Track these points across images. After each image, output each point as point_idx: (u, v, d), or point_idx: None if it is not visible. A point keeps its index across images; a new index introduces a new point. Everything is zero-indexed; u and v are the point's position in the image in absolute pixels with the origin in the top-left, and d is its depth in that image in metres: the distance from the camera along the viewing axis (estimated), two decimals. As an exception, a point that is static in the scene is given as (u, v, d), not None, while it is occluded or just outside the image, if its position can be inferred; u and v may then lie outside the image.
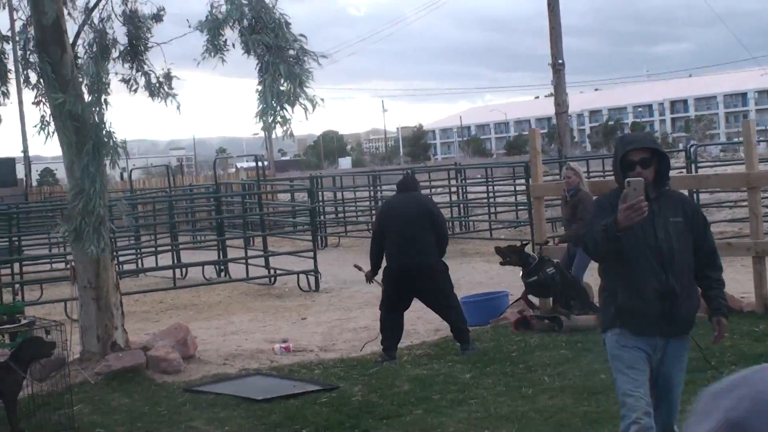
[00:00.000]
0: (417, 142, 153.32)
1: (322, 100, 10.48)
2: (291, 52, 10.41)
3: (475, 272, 19.95)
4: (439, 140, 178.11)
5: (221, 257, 22.01)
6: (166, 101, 11.35)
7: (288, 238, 26.23)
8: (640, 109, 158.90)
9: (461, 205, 28.83)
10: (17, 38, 12.66)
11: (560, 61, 27.12)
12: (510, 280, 16.98)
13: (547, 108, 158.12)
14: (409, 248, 11.38)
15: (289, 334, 14.24)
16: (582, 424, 8.21)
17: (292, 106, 9.89)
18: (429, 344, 12.39)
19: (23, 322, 9.71)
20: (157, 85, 11.34)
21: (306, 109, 10.15)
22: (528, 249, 13.71)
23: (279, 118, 10.05)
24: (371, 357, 11.76)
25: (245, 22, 10.29)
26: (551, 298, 13.05)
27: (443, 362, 11.10)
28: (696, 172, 23.41)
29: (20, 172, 50.79)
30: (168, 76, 11.32)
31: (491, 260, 21.59)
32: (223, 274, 21.60)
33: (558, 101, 27.36)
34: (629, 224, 5.41)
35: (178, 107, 11.71)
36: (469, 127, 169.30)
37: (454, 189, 29.80)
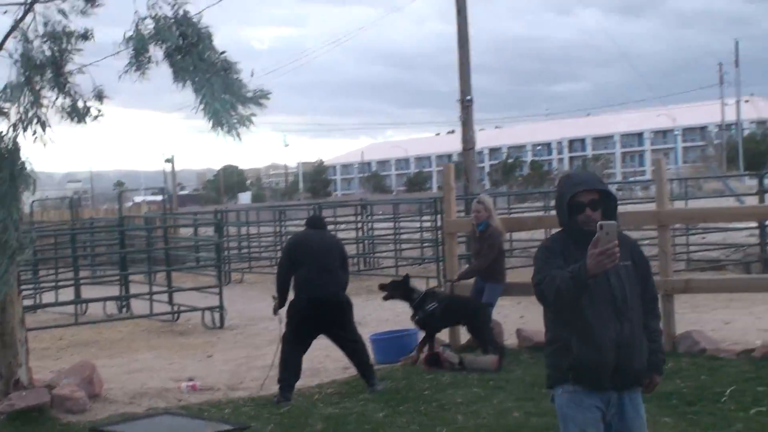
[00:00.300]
0: (318, 177, 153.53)
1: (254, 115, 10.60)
2: (219, 64, 10.39)
3: (381, 309, 19.83)
4: (339, 176, 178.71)
5: (123, 293, 21.66)
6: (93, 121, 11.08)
7: (191, 274, 25.99)
8: (539, 147, 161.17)
9: (365, 242, 28.76)
10: None
11: (468, 98, 27.26)
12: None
13: (448, 145, 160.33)
14: (323, 279, 11.33)
15: (195, 372, 13.99)
16: (499, 463, 8.18)
17: (243, 104, 9.86)
18: (339, 382, 12.27)
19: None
20: (85, 108, 11.04)
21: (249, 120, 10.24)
22: (435, 283, 13.72)
23: (235, 119, 10.03)
24: (281, 395, 11.65)
25: (171, 43, 10.20)
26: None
27: (355, 401, 11.00)
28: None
29: None
30: (100, 96, 11.04)
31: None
32: (124, 310, 21.22)
33: (465, 137, 27.47)
34: (600, 271, 5.11)
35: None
36: (369, 163, 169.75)
37: (359, 225, 29.76)
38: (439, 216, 23.83)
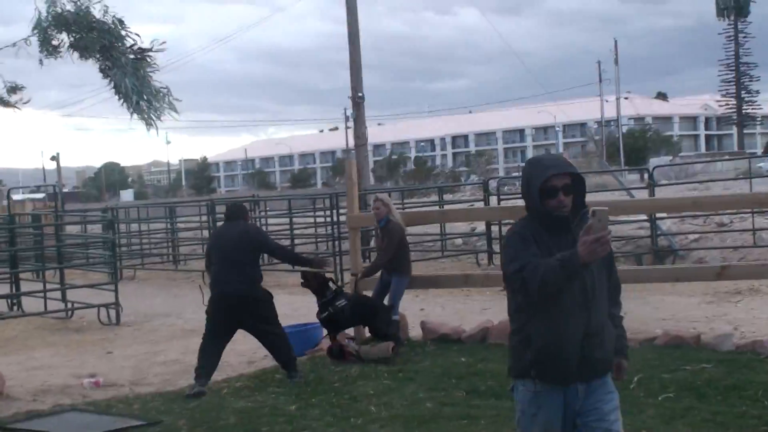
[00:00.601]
0: (201, 174, 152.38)
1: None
2: (128, 48, 10.37)
3: (278, 304, 19.79)
4: (223, 173, 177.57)
5: (14, 290, 21.22)
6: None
7: (81, 271, 25.55)
8: (422, 143, 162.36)
9: (259, 237, 28.60)
10: None
11: (360, 94, 27.37)
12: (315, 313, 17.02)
13: (332, 141, 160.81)
14: (230, 276, 11.37)
15: (96, 369, 13.77)
16: (417, 452, 8.24)
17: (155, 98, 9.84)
18: (247, 376, 12.21)
19: None
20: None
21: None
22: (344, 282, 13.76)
23: (154, 110, 10.01)
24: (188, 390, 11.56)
25: (72, 28, 10.14)
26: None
27: (266, 394, 10.97)
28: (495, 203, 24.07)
29: None
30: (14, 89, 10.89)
31: (294, 292, 21.57)
32: (15, 308, 20.78)
33: (357, 133, 27.60)
34: (593, 259, 4.91)
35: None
36: (253, 160, 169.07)
37: (252, 221, 29.39)
38: (334, 211, 23.88)
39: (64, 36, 10.61)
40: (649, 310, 15.40)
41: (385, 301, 13.51)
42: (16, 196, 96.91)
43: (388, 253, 13.28)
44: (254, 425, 9.57)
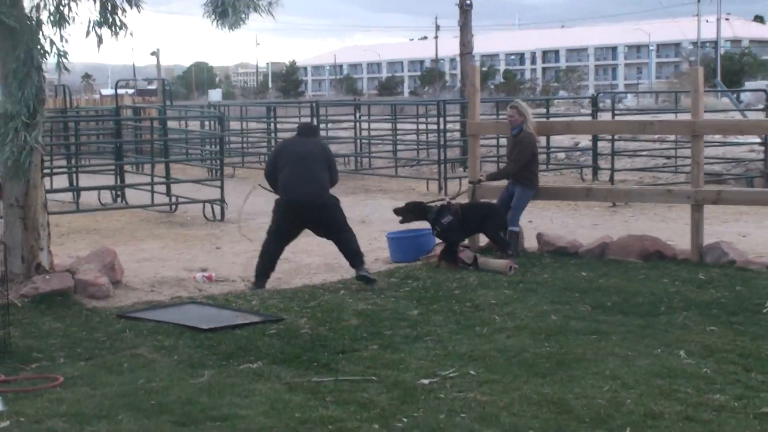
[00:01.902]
0: (289, 78, 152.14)
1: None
2: None
3: (383, 209, 19.72)
4: (311, 77, 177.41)
5: (119, 182, 21.36)
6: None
7: (180, 166, 25.67)
8: (512, 56, 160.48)
9: (359, 141, 28.43)
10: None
11: (468, 2, 26.93)
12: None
13: (421, 51, 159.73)
14: (302, 181, 11.63)
15: (206, 263, 13.87)
16: (550, 365, 8.02)
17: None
18: (365, 277, 12.11)
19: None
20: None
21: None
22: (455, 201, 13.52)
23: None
24: (305, 290, 11.47)
25: None
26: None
27: (384, 297, 10.84)
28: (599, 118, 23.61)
29: None
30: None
31: (396, 197, 21.46)
32: (119, 200, 20.93)
33: (464, 41, 27.22)
34: None
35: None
36: (341, 66, 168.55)
37: (353, 125, 29.37)
38: (441, 119, 23.56)
39: None
40: (767, 234, 15.05)
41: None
42: (104, 90, 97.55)
43: (520, 162, 13.08)
44: (377, 328, 9.45)
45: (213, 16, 11.09)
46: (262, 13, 11.16)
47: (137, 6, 10.99)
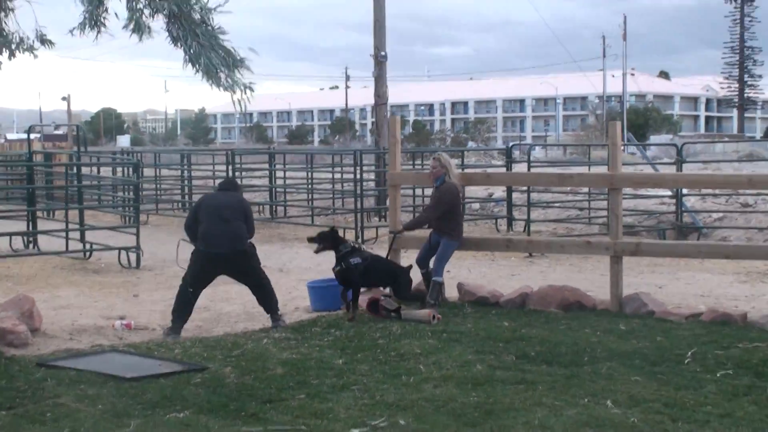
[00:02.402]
0: (198, 125, 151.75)
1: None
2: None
3: (299, 257, 19.69)
4: (220, 124, 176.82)
5: (31, 228, 21.01)
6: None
7: (97, 212, 25.35)
8: (421, 107, 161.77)
9: (274, 190, 28.31)
10: None
11: (383, 53, 27.07)
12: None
13: (331, 100, 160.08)
14: (223, 233, 12.07)
15: (125, 311, 13.68)
16: (479, 414, 8.02)
17: (237, 68, 9.66)
18: (283, 327, 12.04)
19: None
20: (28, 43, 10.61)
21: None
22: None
23: (231, 81, 9.84)
24: (227, 338, 11.37)
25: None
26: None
27: (309, 346, 10.76)
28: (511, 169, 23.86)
29: None
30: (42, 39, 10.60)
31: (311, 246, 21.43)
32: (31, 246, 20.58)
33: (379, 92, 27.30)
34: None
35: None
36: (251, 114, 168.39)
37: (267, 174, 29.24)
38: (358, 168, 23.59)
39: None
40: (682, 285, 15.26)
41: (431, 264, 13.32)
42: (9, 135, 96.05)
43: (436, 211, 13.13)
44: (303, 377, 9.37)
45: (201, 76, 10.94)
46: (239, 69, 10.97)
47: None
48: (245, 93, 10.52)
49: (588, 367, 9.64)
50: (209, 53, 9.82)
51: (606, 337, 10.88)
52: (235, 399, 8.59)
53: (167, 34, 10.05)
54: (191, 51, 9.87)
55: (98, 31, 10.07)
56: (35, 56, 11.15)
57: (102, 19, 10.05)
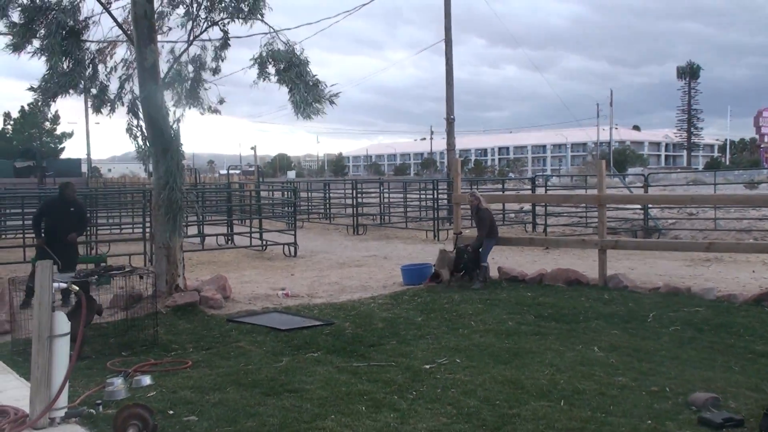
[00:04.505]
0: (338, 164, 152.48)
1: (322, 107, 10.24)
2: (307, 78, 10.04)
3: (398, 249, 19.47)
4: (351, 163, 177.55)
5: (229, 231, 21.20)
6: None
7: (271, 220, 25.48)
8: (479, 151, 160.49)
9: (382, 206, 28.09)
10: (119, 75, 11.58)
11: (452, 117, 26.76)
12: (423, 257, 16.58)
13: (421, 147, 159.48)
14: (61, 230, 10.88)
15: (285, 284, 13.60)
16: (508, 355, 7.76)
17: (318, 101, 9.54)
18: (384, 296, 11.85)
19: (127, 269, 8.86)
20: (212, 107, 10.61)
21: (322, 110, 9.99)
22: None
23: (312, 108, 9.73)
24: (348, 303, 11.23)
25: (281, 65, 9.83)
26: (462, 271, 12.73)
27: (399, 309, 10.58)
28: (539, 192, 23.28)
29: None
30: (221, 101, 10.59)
31: (406, 242, 21.20)
32: (229, 242, 20.75)
33: (449, 142, 26.96)
34: None
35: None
36: (371, 156, 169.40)
37: (378, 194, 29.03)
38: (435, 192, 23.31)
39: (272, 69, 10.25)
40: (648, 268, 14.72)
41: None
42: (222, 171, 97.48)
43: (484, 230, 12.75)
44: (395, 329, 9.20)
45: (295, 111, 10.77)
46: (325, 102, 10.54)
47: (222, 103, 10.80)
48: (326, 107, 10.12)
49: (582, 324, 9.31)
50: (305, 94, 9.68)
51: (595, 304, 10.50)
52: (351, 343, 8.46)
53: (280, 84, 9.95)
54: (296, 96, 9.72)
55: (261, 80, 10.07)
56: (218, 113, 11.09)
57: (266, 76, 10.09)
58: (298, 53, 10.18)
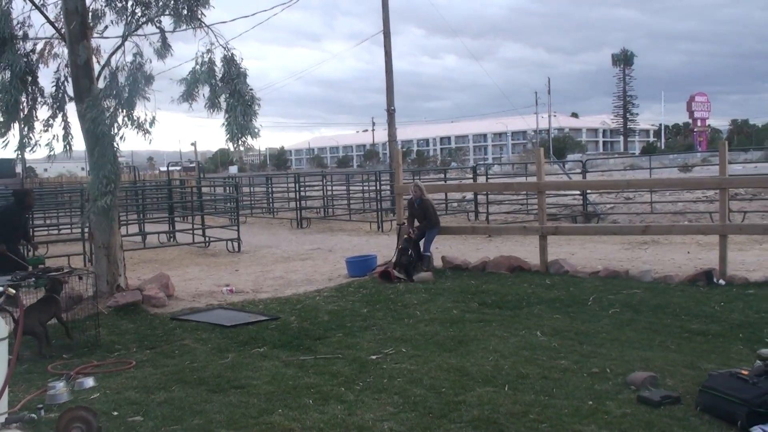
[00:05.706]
0: (280, 157, 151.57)
1: (259, 129, 10.08)
2: (246, 97, 9.87)
3: (342, 242, 19.49)
4: (293, 157, 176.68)
5: (170, 228, 20.91)
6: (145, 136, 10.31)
7: (213, 216, 25.23)
8: (421, 141, 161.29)
9: (326, 198, 28.09)
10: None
11: (392, 108, 26.82)
12: (368, 248, 16.62)
13: (363, 139, 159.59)
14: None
15: (229, 281, 13.49)
16: (453, 343, 7.84)
17: (252, 136, 9.41)
18: (329, 288, 11.84)
19: (65, 270, 8.69)
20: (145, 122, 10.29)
21: (255, 136, 9.82)
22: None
23: (241, 141, 9.59)
24: (293, 297, 11.20)
25: (216, 81, 9.68)
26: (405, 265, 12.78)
27: (345, 301, 10.59)
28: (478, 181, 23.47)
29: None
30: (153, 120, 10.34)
31: (350, 234, 21.21)
32: (171, 239, 20.47)
33: (390, 133, 27.02)
34: None
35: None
36: (313, 149, 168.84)
37: (321, 187, 28.98)
38: (379, 183, 23.37)
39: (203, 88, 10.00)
40: (588, 253, 15.00)
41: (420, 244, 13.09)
42: (162, 168, 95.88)
43: (429, 221, 12.82)
44: (341, 321, 9.22)
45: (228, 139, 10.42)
46: (253, 137, 10.35)
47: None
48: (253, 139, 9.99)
49: (525, 309, 9.45)
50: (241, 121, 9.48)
51: (537, 289, 10.67)
52: (297, 337, 8.45)
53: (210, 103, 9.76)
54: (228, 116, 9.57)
55: (191, 103, 9.84)
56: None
57: (195, 98, 9.86)
58: (238, 61, 9.97)
